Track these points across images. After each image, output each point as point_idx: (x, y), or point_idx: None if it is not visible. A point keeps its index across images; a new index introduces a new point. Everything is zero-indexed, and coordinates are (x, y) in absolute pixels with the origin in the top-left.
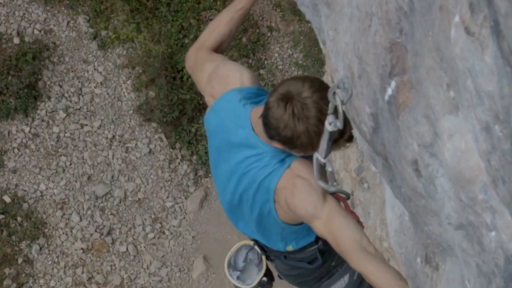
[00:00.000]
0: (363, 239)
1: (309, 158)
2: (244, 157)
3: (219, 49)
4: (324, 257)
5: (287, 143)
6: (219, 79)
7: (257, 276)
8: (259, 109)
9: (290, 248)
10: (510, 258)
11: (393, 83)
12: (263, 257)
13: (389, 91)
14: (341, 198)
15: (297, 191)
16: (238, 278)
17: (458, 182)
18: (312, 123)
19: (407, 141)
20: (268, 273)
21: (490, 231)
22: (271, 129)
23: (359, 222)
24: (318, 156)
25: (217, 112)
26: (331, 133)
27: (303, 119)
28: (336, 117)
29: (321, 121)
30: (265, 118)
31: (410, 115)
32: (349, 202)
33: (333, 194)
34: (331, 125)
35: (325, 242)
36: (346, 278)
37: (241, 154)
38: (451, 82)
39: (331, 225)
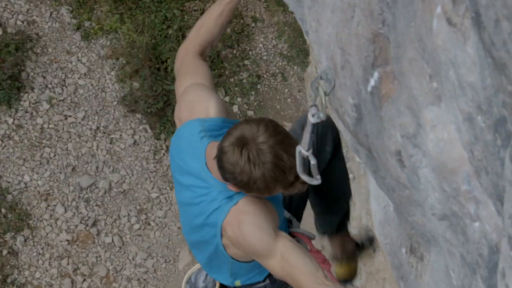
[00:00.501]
0: (319, 272)
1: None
2: (193, 186)
3: (209, 47)
4: None
5: (243, 187)
6: (187, 104)
7: None
8: (216, 144)
9: (238, 283)
10: (493, 248)
11: (376, 74)
12: (217, 283)
13: (372, 82)
14: (305, 238)
15: (246, 228)
16: None
17: (441, 172)
18: (268, 169)
19: (390, 132)
20: None
21: (474, 221)
22: (226, 173)
23: (326, 261)
24: (301, 149)
25: (178, 139)
26: (314, 125)
27: (259, 165)
28: (319, 108)
29: (277, 166)
30: (220, 161)
31: (393, 106)
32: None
33: (295, 234)
34: (314, 116)
35: (272, 282)
36: None
37: (191, 182)
38: (433, 73)
39: (286, 262)
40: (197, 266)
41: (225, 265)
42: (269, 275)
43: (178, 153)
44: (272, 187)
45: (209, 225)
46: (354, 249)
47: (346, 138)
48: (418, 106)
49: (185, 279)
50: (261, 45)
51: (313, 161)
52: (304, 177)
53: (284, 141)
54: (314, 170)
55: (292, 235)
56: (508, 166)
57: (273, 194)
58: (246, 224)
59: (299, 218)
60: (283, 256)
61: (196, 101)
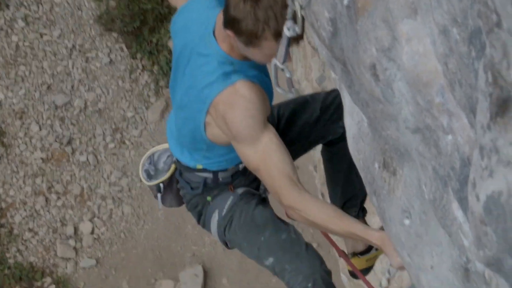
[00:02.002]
0: (294, 175)
1: (259, 82)
2: (191, 56)
3: None
4: (205, 189)
5: (234, 26)
6: None
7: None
8: None
9: (199, 166)
10: (465, 160)
11: None
12: (173, 165)
13: None
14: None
15: (238, 109)
16: (148, 172)
17: (415, 85)
18: (261, 6)
19: (366, 46)
20: (170, 182)
21: (446, 134)
22: (225, 12)
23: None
24: (276, 62)
25: (184, 13)
26: (289, 38)
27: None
28: (295, 22)
29: (269, 7)
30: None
31: (368, 19)
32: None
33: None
34: (289, 30)
35: (215, 179)
36: (216, 214)
37: (190, 55)
38: None
39: (266, 155)
40: (164, 145)
41: (199, 145)
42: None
43: (185, 27)
44: (260, 30)
45: (199, 100)
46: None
47: (321, 52)
48: (394, 19)
49: (147, 154)
50: None
51: (288, 74)
52: (279, 90)
53: None
54: (289, 82)
55: None
56: (482, 77)
57: (261, 42)
58: (240, 106)
59: None
60: (265, 149)
61: None
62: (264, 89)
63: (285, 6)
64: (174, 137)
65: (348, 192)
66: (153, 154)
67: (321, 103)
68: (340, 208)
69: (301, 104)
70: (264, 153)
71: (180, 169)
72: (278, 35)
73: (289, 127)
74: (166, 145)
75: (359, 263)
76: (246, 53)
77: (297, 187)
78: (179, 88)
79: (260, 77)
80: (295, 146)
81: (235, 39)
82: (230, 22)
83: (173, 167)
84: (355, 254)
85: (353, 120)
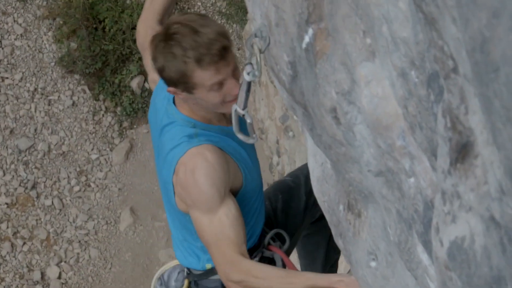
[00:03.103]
0: (243, 246)
1: (226, 148)
2: (162, 128)
3: (166, 15)
4: None
5: (166, 78)
6: None
7: None
8: None
9: (209, 266)
10: (428, 204)
11: (310, 31)
12: (185, 280)
13: (306, 39)
14: (279, 252)
15: (198, 174)
16: None
17: (376, 128)
18: (174, 44)
19: (325, 89)
20: None
21: (409, 177)
22: (157, 72)
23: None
24: (237, 107)
25: (153, 100)
26: (249, 83)
27: (166, 47)
28: (254, 67)
29: (178, 44)
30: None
31: (327, 62)
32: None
33: (271, 248)
34: (249, 74)
35: None
36: None
37: (161, 126)
38: (367, 29)
39: (219, 225)
40: (172, 263)
41: (185, 231)
42: None
43: (154, 111)
44: (183, 65)
45: (167, 168)
46: None
47: (282, 96)
48: (352, 62)
49: (156, 275)
50: (199, 3)
51: (249, 120)
52: (240, 136)
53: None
54: (250, 128)
55: (268, 248)
56: (441, 121)
57: (195, 79)
58: (201, 172)
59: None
60: (221, 223)
61: None
62: (234, 159)
63: (196, 32)
64: (174, 238)
65: (328, 263)
66: (162, 275)
67: (304, 188)
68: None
69: (287, 192)
70: (219, 227)
71: (194, 279)
72: (200, 61)
73: (286, 220)
74: (173, 262)
75: None
76: (199, 103)
77: (247, 261)
78: (158, 171)
79: (230, 144)
80: (294, 237)
81: (182, 95)
82: (162, 76)
83: (186, 282)
84: None
85: (316, 162)
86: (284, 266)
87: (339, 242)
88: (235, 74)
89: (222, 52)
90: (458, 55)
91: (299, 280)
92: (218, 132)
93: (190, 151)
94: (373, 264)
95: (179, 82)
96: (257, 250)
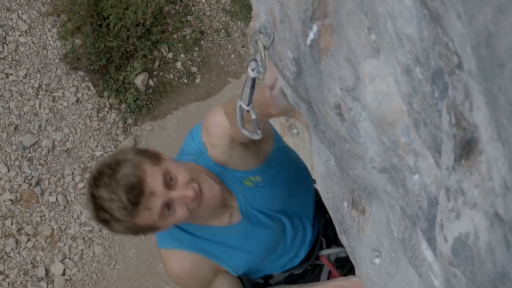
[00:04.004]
0: None
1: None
2: None
3: None
4: None
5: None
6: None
7: None
8: None
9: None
10: (433, 200)
11: (314, 27)
12: None
13: (311, 36)
14: (327, 263)
15: (170, 273)
16: None
17: (380, 125)
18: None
19: (330, 86)
20: None
21: (413, 174)
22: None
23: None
24: (242, 103)
25: None
26: (254, 79)
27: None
28: (259, 63)
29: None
30: None
31: (332, 59)
32: None
33: (320, 258)
34: (254, 71)
35: None
36: None
37: None
38: (371, 26)
39: None
40: None
41: None
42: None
43: None
44: (114, 224)
45: None
46: None
47: (286, 92)
48: (357, 58)
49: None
50: (204, 0)
51: (253, 116)
52: (245, 132)
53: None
54: (255, 124)
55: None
56: (445, 118)
57: (140, 211)
58: (170, 273)
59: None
60: None
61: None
62: (209, 257)
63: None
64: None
65: None
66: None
67: None
68: None
69: None
70: None
71: None
72: (120, 221)
73: None
74: None
75: None
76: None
77: None
78: None
79: (205, 246)
80: None
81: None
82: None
83: None
84: None
85: (320, 159)
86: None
87: (343, 239)
88: (169, 184)
89: (130, 207)
90: (463, 51)
91: None
92: (202, 234)
93: (160, 250)
94: (377, 261)
95: (141, 230)
96: (309, 260)
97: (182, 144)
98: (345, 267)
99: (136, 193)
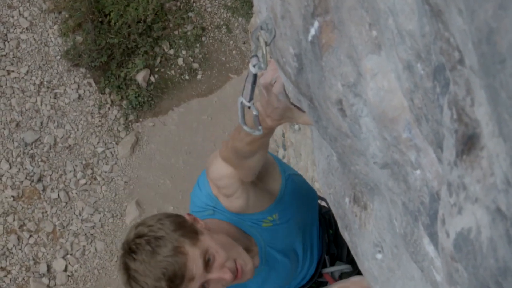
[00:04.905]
0: None
1: None
2: None
3: None
4: None
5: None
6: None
7: None
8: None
9: None
10: (435, 195)
11: (316, 24)
12: None
13: (312, 32)
14: (327, 277)
15: None
16: None
17: (381, 121)
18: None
19: (331, 82)
20: None
21: (415, 169)
22: None
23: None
24: (243, 99)
25: None
26: (255, 75)
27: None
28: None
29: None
30: None
31: (333, 55)
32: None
33: (324, 275)
34: (255, 67)
35: None
36: None
37: None
38: (373, 22)
39: None
40: None
41: None
42: None
43: None
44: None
45: None
46: None
47: (287, 88)
48: (358, 55)
49: None
50: None
51: (255, 112)
52: (246, 128)
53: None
54: (256, 121)
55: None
56: (447, 113)
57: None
58: None
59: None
60: None
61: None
62: None
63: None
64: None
65: None
66: None
67: None
68: None
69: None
70: None
71: None
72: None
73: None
74: None
75: None
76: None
77: None
78: None
79: None
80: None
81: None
82: None
83: None
84: None
85: (322, 155)
86: None
87: (345, 234)
88: (207, 265)
89: None
90: (464, 47)
91: None
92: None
93: None
94: (379, 256)
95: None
96: (313, 279)
97: (192, 195)
98: None
99: (177, 281)
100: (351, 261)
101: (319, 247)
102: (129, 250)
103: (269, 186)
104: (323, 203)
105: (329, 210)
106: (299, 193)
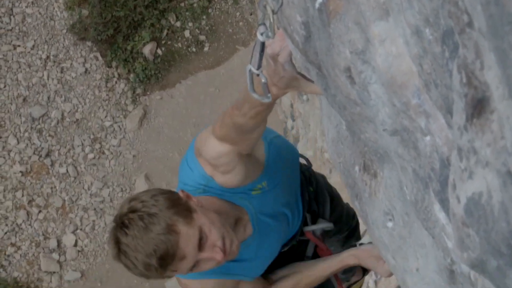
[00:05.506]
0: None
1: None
2: None
3: None
4: None
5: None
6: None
7: None
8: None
9: None
10: (445, 161)
11: None
12: None
13: None
14: (315, 240)
15: None
16: None
17: (390, 87)
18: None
19: (339, 49)
20: None
21: (424, 135)
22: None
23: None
24: (251, 67)
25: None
26: (263, 44)
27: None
28: (268, 28)
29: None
30: None
31: (341, 22)
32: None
33: (307, 234)
34: (262, 35)
35: None
36: None
37: None
38: None
39: None
40: None
41: None
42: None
43: None
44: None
45: None
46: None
47: (295, 57)
48: (366, 21)
49: None
50: None
51: (263, 79)
52: (255, 96)
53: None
54: (265, 88)
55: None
56: (456, 77)
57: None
58: None
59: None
60: None
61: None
62: (232, 277)
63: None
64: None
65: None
66: None
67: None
68: None
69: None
70: None
71: None
72: (163, 267)
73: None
74: None
75: None
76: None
77: None
78: None
79: (223, 268)
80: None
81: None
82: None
83: None
84: None
85: (331, 124)
86: (315, 250)
87: (355, 203)
88: (200, 244)
89: (156, 268)
90: (473, 9)
91: (315, 275)
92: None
93: (180, 279)
94: (389, 224)
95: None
96: (296, 237)
97: (183, 176)
98: (332, 240)
99: (168, 260)
100: (334, 220)
101: (303, 205)
102: (122, 224)
103: (256, 155)
104: (302, 161)
105: (309, 168)
106: (282, 156)
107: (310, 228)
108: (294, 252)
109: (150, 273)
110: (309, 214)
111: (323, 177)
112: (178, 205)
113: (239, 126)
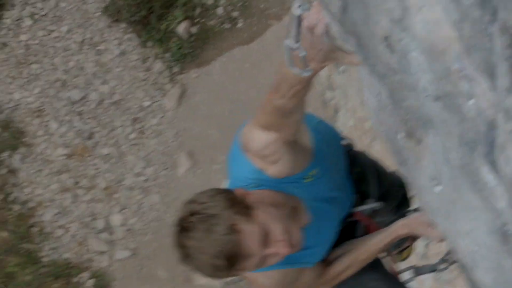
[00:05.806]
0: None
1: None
2: None
3: None
4: None
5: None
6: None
7: None
8: None
9: None
10: (491, 124)
11: None
12: None
13: None
14: (365, 219)
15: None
16: None
17: (431, 54)
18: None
19: (377, 18)
20: None
21: (468, 99)
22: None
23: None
24: (289, 42)
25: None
26: (299, 17)
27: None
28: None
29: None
30: None
31: None
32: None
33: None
34: (299, 8)
35: None
36: None
37: None
38: None
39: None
40: None
41: None
42: None
43: None
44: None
45: None
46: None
47: (333, 28)
48: None
49: None
50: None
51: (303, 53)
52: (295, 70)
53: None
54: (304, 61)
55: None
56: (498, 41)
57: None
58: None
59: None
60: None
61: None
62: (296, 266)
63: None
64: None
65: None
66: None
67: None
68: None
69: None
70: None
71: None
72: (229, 268)
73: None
74: None
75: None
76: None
77: (325, 276)
78: None
79: (287, 259)
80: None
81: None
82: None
83: None
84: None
85: (371, 94)
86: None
87: (402, 169)
88: (265, 242)
89: (223, 269)
90: None
91: (370, 250)
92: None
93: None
94: (437, 189)
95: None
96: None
97: (230, 170)
98: (382, 214)
99: (235, 259)
100: (381, 198)
101: (350, 186)
102: (184, 228)
103: (302, 143)
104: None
105: (351, 148)
106: (328, 141)
107: (360, 208)
108: (345, 233)
109: (219, 273)
110: (357, 195)
111: (365, 153)
112: (237, 203)
113: (280, 108)
